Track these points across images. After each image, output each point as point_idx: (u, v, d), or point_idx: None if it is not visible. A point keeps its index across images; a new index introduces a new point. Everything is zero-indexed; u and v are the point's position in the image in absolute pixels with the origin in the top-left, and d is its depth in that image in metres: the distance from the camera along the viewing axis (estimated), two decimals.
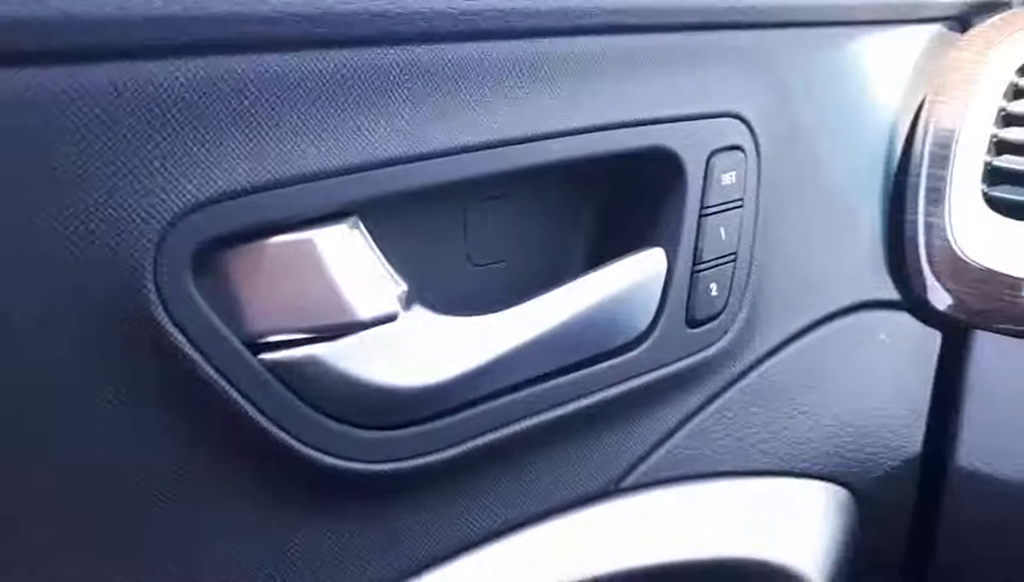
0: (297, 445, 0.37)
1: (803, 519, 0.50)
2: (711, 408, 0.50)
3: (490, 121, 0.40)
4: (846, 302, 0.54)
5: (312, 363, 0.37)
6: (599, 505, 0.48)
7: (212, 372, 0.35)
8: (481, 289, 0.45)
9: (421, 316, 0.40)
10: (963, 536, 0.51)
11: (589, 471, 0.48)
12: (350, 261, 0.37)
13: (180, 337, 0.34)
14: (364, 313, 0.38)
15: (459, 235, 0.45)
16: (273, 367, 0.36)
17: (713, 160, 0.47)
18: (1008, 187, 0.57)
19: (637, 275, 0.46)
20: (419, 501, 0.43)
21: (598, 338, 0.46)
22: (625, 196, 0.49)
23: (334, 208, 0.37)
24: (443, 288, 0.44)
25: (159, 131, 0.32)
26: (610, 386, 0.46)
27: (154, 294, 0.33)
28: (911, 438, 0.52)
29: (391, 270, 0.39)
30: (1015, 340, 0.52)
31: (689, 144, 0.46)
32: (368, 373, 0.38)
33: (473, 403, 0.42)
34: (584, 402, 0.46)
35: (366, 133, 0.37)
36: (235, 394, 0.36)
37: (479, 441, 0.42)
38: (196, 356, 0.34)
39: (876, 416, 0.53)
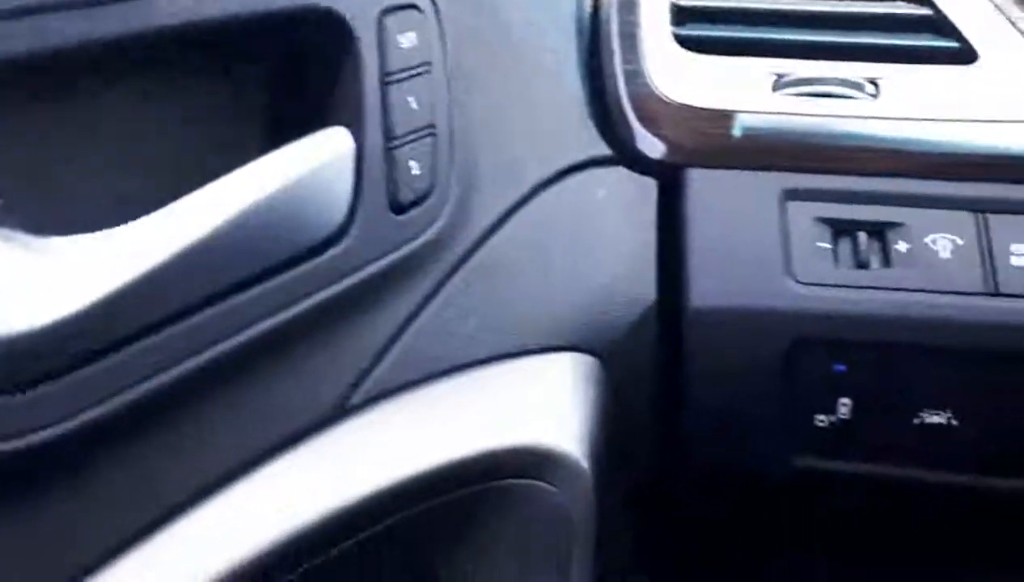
0: None
1: (555, 395, 0.47)
2: (437, 299, 0.45)
3: None
4: (559, 165, 0.51)
5: None
6: (331, 430, 0.42)
7: None
8: (114, 197, 0.36)
9: (25, 242, 0.31)
10: (708, 378, 0.50)
11: (309, 395, 0.41)
12: None
13: None
14: None
15: (78, 125, 0.36)
16: None
17: (385, 20, 0.42)
18: (694, 25, 0.57)
19: (317, 160, 0.39)
20: (93, 474, 0.34)
21: (285, 239, 0.39)
22: (293, 72, 0.42)
23: None
24: (60, 199, 0.35)
25: None
26: (313, 292, 0.40)
27: None
28: (644, 290, 0.51)
29: None
30: (726, 171, 0.51)
31: (352, 3, 0.40)
32: None
33: (131, 338, 0.33)
34: (284, 316, 0.39)
35: None
36: None
37: (150, 385, 0.34)
38: None
39: (607, 275, 0.50)
